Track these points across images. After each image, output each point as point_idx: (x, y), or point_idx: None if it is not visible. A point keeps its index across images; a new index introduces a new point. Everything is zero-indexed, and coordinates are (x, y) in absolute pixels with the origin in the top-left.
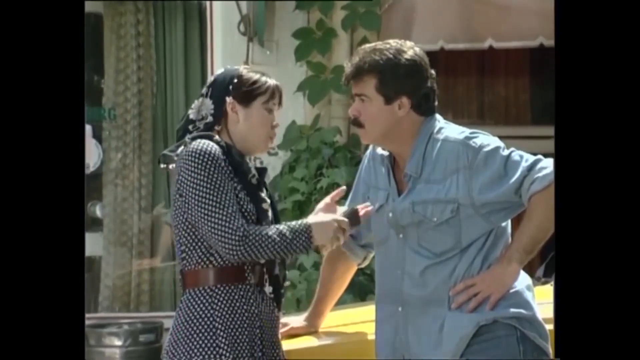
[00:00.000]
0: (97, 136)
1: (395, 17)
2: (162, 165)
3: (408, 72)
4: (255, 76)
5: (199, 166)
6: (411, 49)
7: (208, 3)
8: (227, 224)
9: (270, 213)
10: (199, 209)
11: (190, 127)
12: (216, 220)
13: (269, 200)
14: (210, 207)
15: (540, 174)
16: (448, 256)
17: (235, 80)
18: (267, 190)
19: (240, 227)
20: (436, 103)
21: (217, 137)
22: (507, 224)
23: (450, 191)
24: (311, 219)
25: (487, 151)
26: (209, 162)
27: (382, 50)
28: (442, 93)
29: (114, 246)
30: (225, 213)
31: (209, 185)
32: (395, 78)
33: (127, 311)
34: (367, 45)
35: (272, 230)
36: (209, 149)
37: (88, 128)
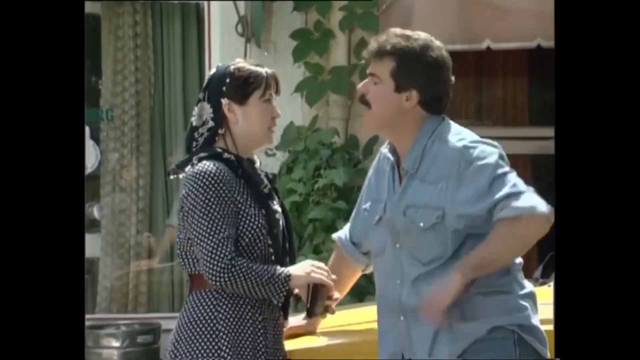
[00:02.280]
0: (95, 137)
1: (393, 18)
2: (171, 177)
3: (426, 68)
4: (248, 71)
5: (200, 189)
6: (439, 49)
7: (206, 4)
8: (214, 250)
9: (281, 222)
10: (194, 231)
11: (195, 134)
12: (205, 245)
13: (280, 209)
14: (202, 231)
15: (515, 204)
16: (435, 265)
17: (228, 80)
18: (278, 197)
19: (227, 255)
20: (446, 106)
21: (226, 154)
22: None
23: (439, 197)
24: (291, 268)
25: (479, 165)
26: (208, 186)
27: (409, 38)
28: None
29: (111, 247)
30: (215, 239)
31: (204, 209)
32: (412, 69)
33: (125, 312)
34: (399, 29)
35: (256, 266)
36: (211, 171)
37: (86, 129)
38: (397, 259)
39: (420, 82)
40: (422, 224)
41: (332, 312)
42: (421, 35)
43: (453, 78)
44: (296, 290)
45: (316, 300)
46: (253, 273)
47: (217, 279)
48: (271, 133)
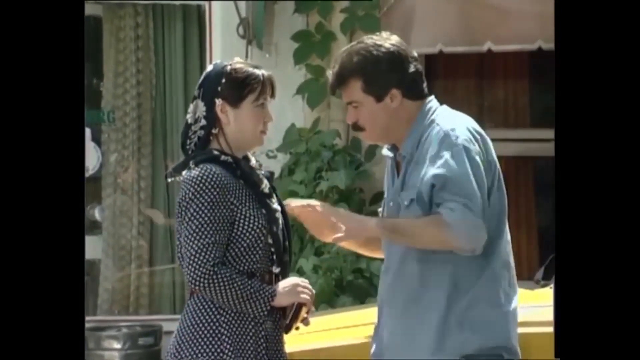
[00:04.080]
0: (96, 139)
1: (394, 20)
2: (169, 180)
3: (390, 64)
4: (244, 73)
5: (196, 193)
6: (387, 40)
7: (207, 6)
8: (197, 254)
9: (281, 220)
10: (182, 233)
11: (189, 132)
12: (189, 248)
13: (279, 208)
14: (189, 234)
15: (460, 216)
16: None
17: (224, 80)
18: (276, 195)
19: (210, 260)
20: (425, 84)
21: (223, 156)
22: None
23: (420, 174)
24: (279, 285)
25: (459, 153)
26: (204, 190)
27: (359, 51)
28: (441, 96)
29: (112, 249)
30: (200, 243)
31: (195, 213)
32: (379, 74)
33: (126, 314)
34: (344, 49)
35: (240, 279)
36: (207, 175)
37: (87, 131)
38: (390, 252)
39: (393, 79)
40: (406, 203)
41: (307, 324)
42: (366, 41)
43: (415, 53)
44: None
45: (296, 318)
46: (235, 285)
47: (197, 283)
48: (262, 136)
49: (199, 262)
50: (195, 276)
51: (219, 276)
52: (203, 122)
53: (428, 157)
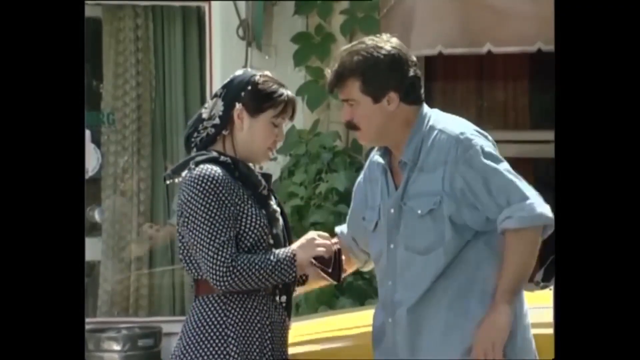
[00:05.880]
0: (96, 141)
1: (394, 22)
2: (167, 182)
3: (389, 67)
4: (270, 88)
5: (200, 194)
6: (388, 43)
7: (207, 7)
8: (215, 255)
9: (281, 221)
10: (193, 236)
11: (200, 126)
12: (206, 250)
13: (279, 209)
14: (202, 236)
15: (521, 213)
16: (432, 253)
17: (249, 88)
18: (275, 197)
19: (228, 257)
20: (422, 90)
21: (222, 157)
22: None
23: (437, 183)
24: (294, 245)
25: (477, 156)
26: (208, 190)
27: (359, 51)
28: (441, 97)
29: (112, 251)
30: (216, 243)
31: (204, 214)
32: (378, 76)
33: (125, 316)
34: (344, 48)
35: (258, 258)
36: (210, 174)
37: (87, 133)
38: (390, 259)
39: (391, 82)
40: (419, 211)
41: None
42: (367, 42)
43: (414, 58)
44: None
45: (340, 265)
46: (256, 266)
47: (222, 282)
48: (269, 153)
49: (218, 263)
50: (218, 277)
51: (239, 267)
52: (217, 121)
53: (444, 164)
